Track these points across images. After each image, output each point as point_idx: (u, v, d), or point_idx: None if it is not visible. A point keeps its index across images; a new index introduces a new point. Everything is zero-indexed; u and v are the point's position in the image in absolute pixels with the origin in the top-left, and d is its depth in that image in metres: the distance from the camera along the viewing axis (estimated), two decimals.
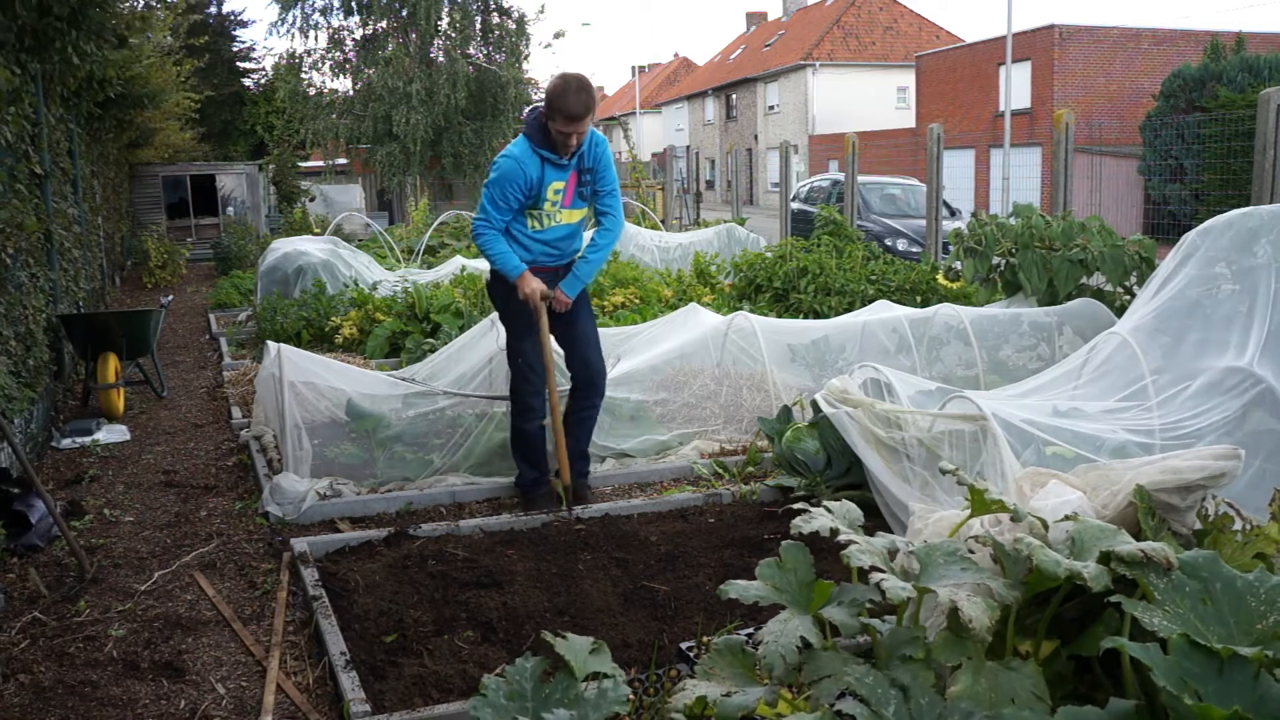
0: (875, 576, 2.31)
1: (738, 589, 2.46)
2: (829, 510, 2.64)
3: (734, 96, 47.46)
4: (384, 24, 26.36)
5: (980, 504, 2.60)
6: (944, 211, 11.90)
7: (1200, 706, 1.83)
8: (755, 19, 55.18)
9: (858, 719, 1.94)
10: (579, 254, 4.79)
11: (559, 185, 4.53)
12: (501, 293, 4.69)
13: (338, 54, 26.69)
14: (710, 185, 44.84)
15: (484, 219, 4.54)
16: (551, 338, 4.69)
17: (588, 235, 4.80)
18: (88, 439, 6.13)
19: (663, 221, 19.15)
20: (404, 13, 25.73)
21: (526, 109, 4.68)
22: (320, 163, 29.05)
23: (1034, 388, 4.51)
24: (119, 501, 5.06)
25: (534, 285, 4.52)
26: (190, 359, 9.17)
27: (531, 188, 4.47)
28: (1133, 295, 6.20)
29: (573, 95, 4.28)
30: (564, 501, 4.59)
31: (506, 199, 4.47)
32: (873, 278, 8.11)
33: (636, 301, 8.84)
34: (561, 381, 5.10)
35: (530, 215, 4.58)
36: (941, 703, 2.04)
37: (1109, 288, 6.46)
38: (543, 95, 4.49)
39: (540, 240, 4.63)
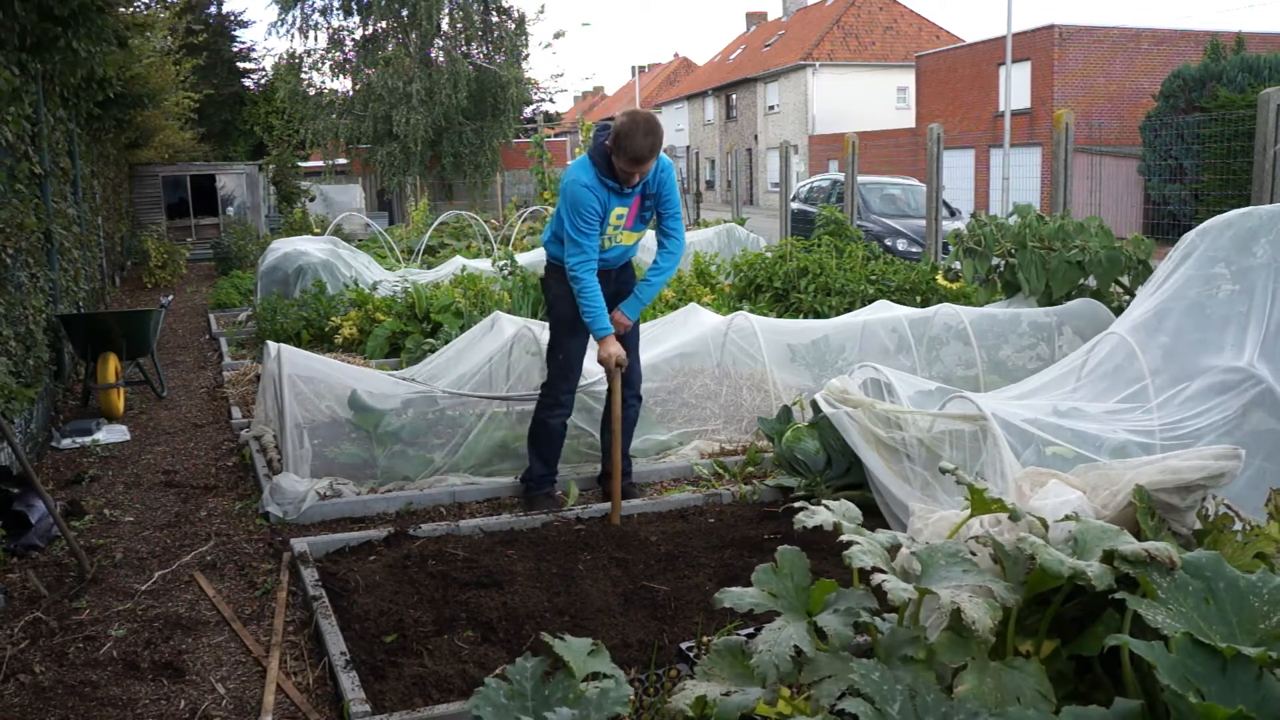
0: (876, 578, 2.31)
1: (732, 598, 2.44)
2: (829, 509, 2.64)
3: (734, 96, 47.45)
4: (384, 24, 26.37)
5: (980, 503, 2.60)
6: (944, 211, 11.90)
7: (1204, 705, 1.83)
8: (755, 19, 55.17)
9: (861, 717, 1.94)
10: (633, 258, 4.86)
11: (622, 211, 4.56)
12: (556, 290, 4.71)
13: (338, 54, 26.71)
14: (710, 185, 44.84)
15: (581, 256, 4.45)
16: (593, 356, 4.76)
17: (648, 240, 4.83)
18: (88, 439, 6.13)
19: None
20: (404, 13, 25.74)
21: (596, 128, 4.62)
22: (320, 163, 29.05)
23: (1034, 388, 4.51)
24: (119, 501, 5.06)
25: (614, 350, 4.54)
26: (190, 359, 9.17)
27: (601, 212, 4.49)
28: (1132, 295, 6.20)
29: (640, 137, 4.25)
30: (614, 511, 4.58)
31: (590, 224, 4.46)
32: (873, 278, 8.11)
33: None
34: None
35: None
36: (947, 701, 2.04)
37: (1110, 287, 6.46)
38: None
39: (600, 258, 4.65)
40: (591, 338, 4.68)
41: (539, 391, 4.90)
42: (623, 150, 4.29)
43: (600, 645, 2.33)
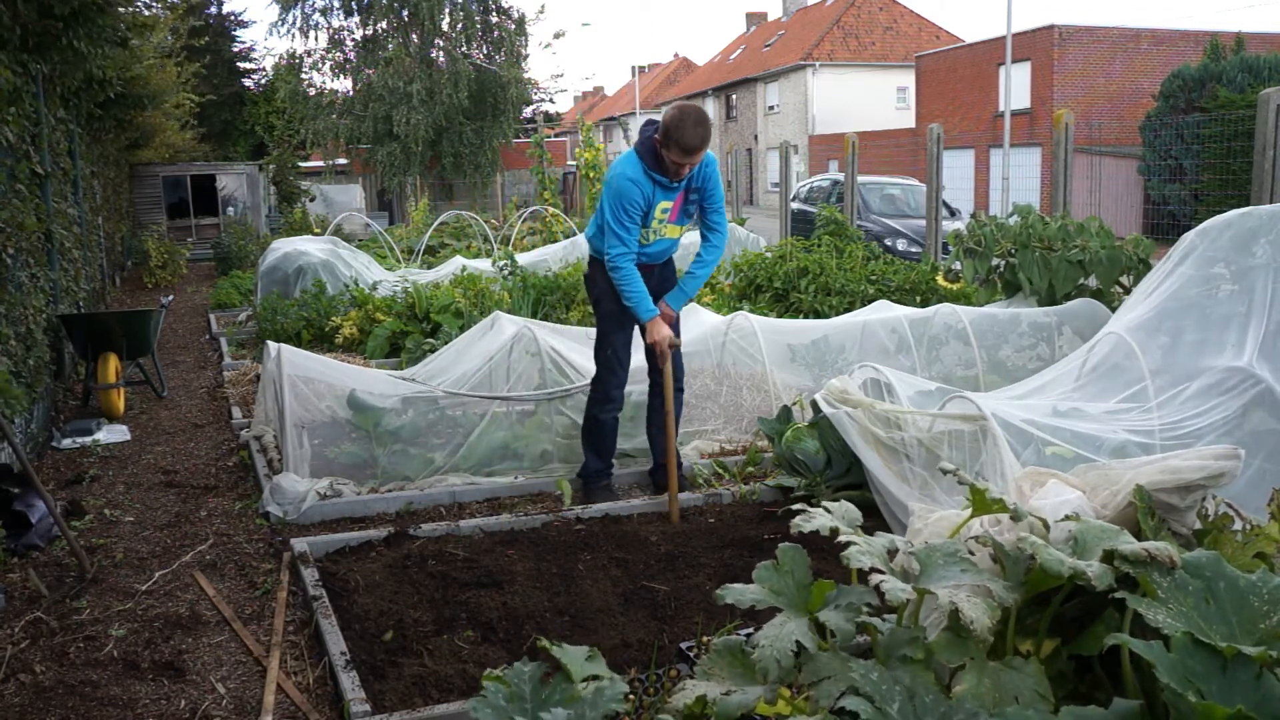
0: (875, 578, 2.31)
1: (734, 594, 2.45)
2: (828, 510, 2.64)
3: (734, 97, 47.45)
4: (384, 24, 26.38)
5: (981, 504, 2.60)
6: (944, 212, 11.90)
7: (1203, 705, 1.83)
8: (755, 19, 55.17)
9: (861, 715, 1.94)
10: (673, 253, 4.90)
11: (667, 205, 4.60)
12: (599, 287, 4.75)
13: (338, 54, 26.72)
14: None
15: (621, 248, 4.52)
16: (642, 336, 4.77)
17: (690, 237, 4.83)
18: (88, 439, 6.13)
19: None
20: (404, 13, 25.75)
21: (642, 124, 4.65)
22: (320, 163, 29.05)
23: (1034, 388, 4.51)
24: (119, 501, 5.06)
25: (664, 333, 4.58)
26: (190, 359, 9.17)
27: (646, 206, 4.53)
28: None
29: (690, 129, 4.30)
30: (671, 504, 4.58)
31: (633, 218, 4.51)
32: (873, 278, 8.11)
33: None
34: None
35: None
36: (945, 701, 2.04)
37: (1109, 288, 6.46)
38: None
39: (642, 252, 4.68)
40: (637, 328, 4.71)
41: (541, 391, 4.91)
42: (674, 142, 4.32)
43: (596, 651, 2.34)
